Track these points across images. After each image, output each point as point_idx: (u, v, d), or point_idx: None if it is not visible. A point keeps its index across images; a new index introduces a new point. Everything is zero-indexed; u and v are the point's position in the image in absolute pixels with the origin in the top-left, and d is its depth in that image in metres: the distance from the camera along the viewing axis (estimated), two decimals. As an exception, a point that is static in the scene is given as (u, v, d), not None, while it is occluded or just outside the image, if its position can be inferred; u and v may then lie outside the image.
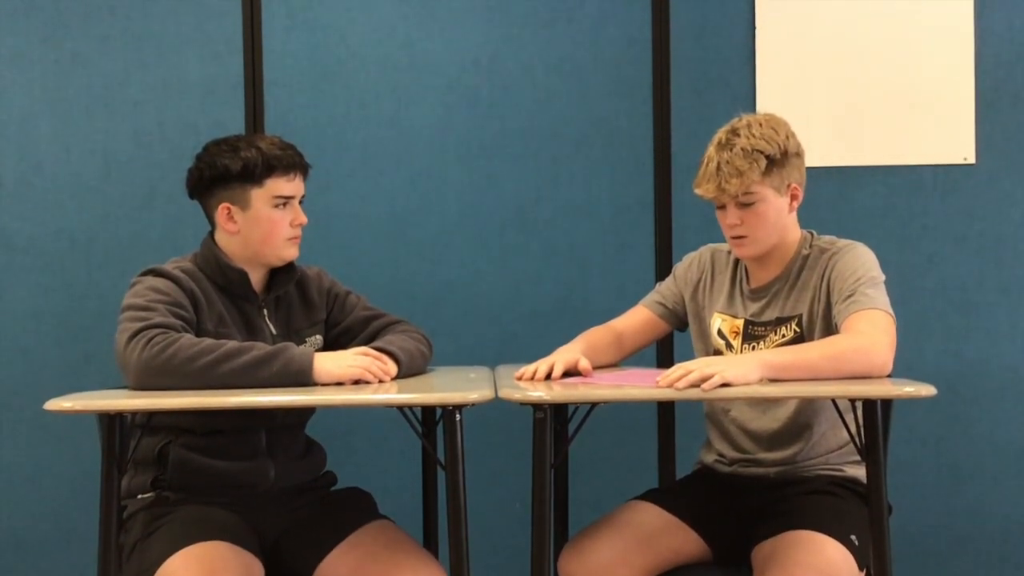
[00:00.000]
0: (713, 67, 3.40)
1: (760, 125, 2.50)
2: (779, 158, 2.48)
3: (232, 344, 2.30)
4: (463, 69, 3.41)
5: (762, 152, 2.46)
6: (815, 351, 2.31)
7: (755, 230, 2.50)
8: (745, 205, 2.48)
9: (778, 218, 2.52)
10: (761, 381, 2.23)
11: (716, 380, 2.16)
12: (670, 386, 2.19)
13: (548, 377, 2.40)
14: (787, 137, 2.51)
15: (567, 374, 2.43)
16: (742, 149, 2.45)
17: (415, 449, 2.80)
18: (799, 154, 2.54)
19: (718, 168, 2.46)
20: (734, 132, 2.50)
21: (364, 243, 3.40)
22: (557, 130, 3.42)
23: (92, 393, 2.31)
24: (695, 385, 2.17)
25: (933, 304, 3.41)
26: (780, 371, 2.25)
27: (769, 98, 3.36)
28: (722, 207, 2.52)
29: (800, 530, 2.34)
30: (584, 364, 2.45)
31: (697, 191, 2.52)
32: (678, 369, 2.22)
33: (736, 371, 2.19)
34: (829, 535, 2.32)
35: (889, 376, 2.30)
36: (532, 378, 2.40)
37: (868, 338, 2.31)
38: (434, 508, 2.78)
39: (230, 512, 2.41)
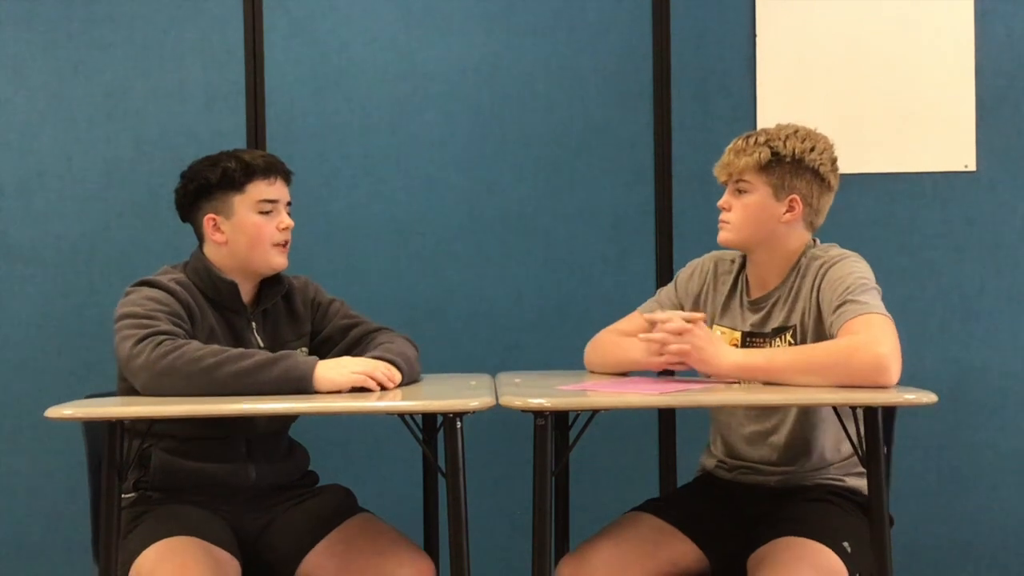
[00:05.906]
0: (713, 75, 3.40)
1: (795, 132, 2.53)
2: (788, 161, 2.49)
3: (235, 350, 2.33)
4: (464, 77, 3.41)
5: (771, 148, 2.49)
6: (817, 353, 2.31)
7: (736, 217, 2.53)
8: (738, 191, 2.53)
9: (762, 217, 2.51)
10: (740, 383, 2.26)
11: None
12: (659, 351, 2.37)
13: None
14: (813, 151, 2.51)
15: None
16: (756, 140, 2.52)
17: (416, 456, 2.79)
18: (819, 175, 2.51)
19: (731, 149, 2.54)
20: (765, 130, 2.56)
21: (365, 251, 3.40)
22: (558, 138, 3.42)
23: (93, 400, 2.32)
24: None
25: (934, 311, 3.40)
26: (775, 373, 2.28)
27: (769, 106, 3.36)
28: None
29: (790, 536, 2.33)
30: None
31: (715, 172, 2.59)
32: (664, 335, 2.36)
33: (712, 358, 2.31)
34: (820, 541, 2.31)
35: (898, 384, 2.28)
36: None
37: (865, 336, 2.27)
38: (435, 515, 2.77)
39: (208, 511, 2.44)
